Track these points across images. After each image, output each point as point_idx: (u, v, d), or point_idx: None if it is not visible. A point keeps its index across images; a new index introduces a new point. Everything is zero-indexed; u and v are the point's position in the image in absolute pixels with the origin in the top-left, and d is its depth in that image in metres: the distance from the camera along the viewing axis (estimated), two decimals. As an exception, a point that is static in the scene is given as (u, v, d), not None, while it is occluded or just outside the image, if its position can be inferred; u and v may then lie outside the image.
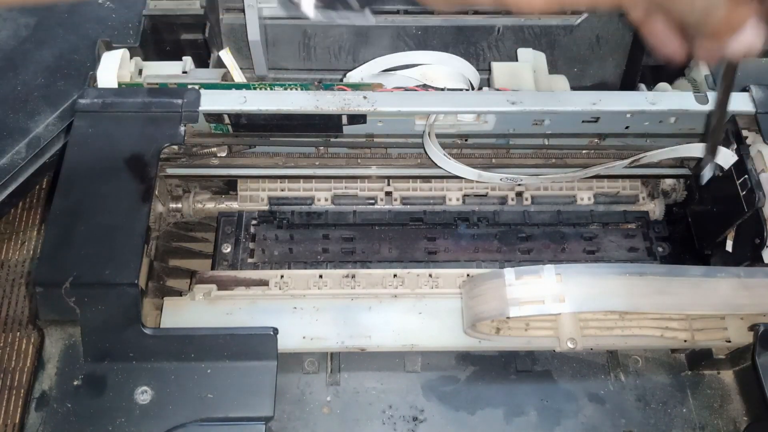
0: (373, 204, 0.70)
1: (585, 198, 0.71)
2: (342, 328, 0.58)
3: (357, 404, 0.58)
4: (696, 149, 0.63)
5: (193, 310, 0.58)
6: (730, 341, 0.56)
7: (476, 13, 0.78)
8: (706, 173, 0.59)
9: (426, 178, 0.70)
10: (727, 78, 0.50)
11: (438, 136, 0.63)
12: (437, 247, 0.68)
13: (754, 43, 0.37)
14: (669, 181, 0.71)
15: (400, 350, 0.58)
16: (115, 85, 0.63)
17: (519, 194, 0.71)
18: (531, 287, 0.49)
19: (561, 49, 0.80)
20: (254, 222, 0.69)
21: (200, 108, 0.59)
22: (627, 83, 0.82)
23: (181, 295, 0.60)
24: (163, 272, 0.62)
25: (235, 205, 0.70)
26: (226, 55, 0.72)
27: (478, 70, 0.73)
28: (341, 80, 0.72)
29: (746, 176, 0.58)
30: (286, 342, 0.55)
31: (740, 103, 0.61)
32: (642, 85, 0.75)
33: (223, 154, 0.66)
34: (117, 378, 0.50)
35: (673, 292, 0.50)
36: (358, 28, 0.78)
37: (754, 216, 0.58)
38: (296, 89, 0.62)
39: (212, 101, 0.59)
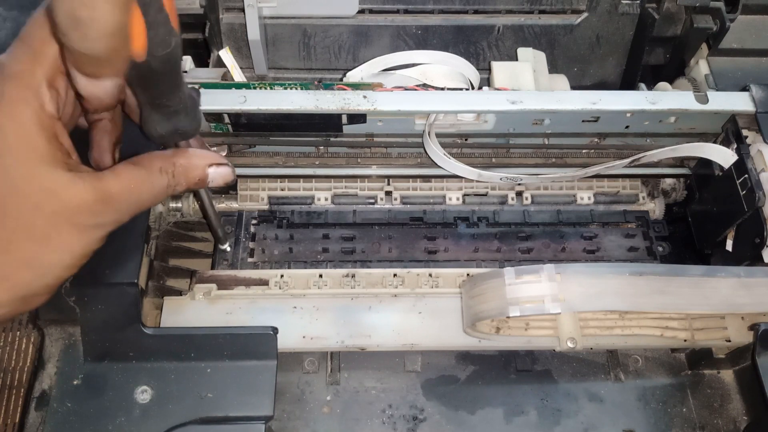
0: (373, 203, 0.70)
1: (585, 197, 0.71)
2: (342, 327, 0.58)
3: (357, 404, 0.58)
4: (696, 149, 0.63)
5: (193, 310, 0.58)
6: (730, 341, 0.56)
7: (476, 12, 0.78)
8: None
9: (426, 178, 0.70)
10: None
11: (438, 135, 0.63)
12: (437, 246, 0.68)
13: None
14: (669, 181, 0.71)
15: (400, 350, 0.58)
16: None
17: (519, 194, 0.71)
18: (531, 287, 0.49)
19: (561, 49, 0.80)
20: (254, 221, 0.69)
21: (200, 107, 0.59)
22: (627, 83, 0.82)
23: (181, 295, 0.60)
24: (163, 272, 0.62)
25: (234, 205, 0.70)
26: (225, 54, 0.72)
27: (478, 69, 0.73)
28: (341, 80, 0.72)
29: (746, 176, 0.58)
30: (286, 341, 0.55)
31: (740, 102, 0.61)
32: (642, 85, 0.75)
33: (223, 154, 0.66)
34: (117, 377, 0.50)
35: (673, 291, 0.50)
36: (358, 28, 0.78)
37: (754, 215, 0.58)
38: (296, 89, 0.62)
39: (212, 101, 0.59)
